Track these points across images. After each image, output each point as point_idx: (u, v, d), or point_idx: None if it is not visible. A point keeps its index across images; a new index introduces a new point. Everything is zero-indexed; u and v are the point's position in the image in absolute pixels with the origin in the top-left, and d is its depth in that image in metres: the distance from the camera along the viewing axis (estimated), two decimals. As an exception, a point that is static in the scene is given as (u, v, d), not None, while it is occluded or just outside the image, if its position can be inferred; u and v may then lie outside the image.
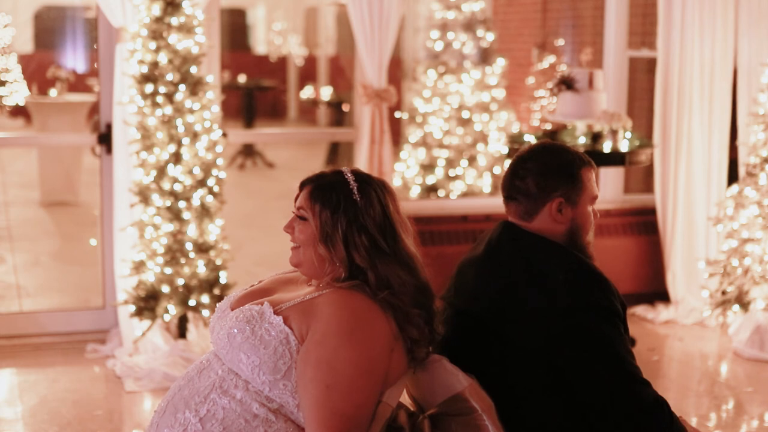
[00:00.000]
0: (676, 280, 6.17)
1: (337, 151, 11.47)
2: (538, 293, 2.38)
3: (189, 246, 4.89)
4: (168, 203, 4.87)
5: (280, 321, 2.17)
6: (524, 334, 2.35)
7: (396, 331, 2.21)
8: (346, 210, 2.23)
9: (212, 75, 5.23)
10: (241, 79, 14.28)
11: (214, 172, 4.96)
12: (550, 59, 8.12)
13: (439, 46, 7.75)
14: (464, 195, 7.60)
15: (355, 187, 2.26)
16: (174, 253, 4.87)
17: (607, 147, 5.31)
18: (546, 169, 2.50)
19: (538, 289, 2.39)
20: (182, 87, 4.86)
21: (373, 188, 2.28)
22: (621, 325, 2.39)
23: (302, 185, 2.33)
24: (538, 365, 2.35)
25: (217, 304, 4.85)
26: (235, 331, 2.18)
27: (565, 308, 2.33)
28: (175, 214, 4.88)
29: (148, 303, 4.91)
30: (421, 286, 2.27)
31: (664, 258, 6.22)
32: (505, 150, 5.88)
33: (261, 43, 17.50)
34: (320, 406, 2.08)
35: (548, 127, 6.79)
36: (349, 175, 2.29)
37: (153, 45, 4.85)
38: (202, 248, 4.91)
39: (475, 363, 2.37)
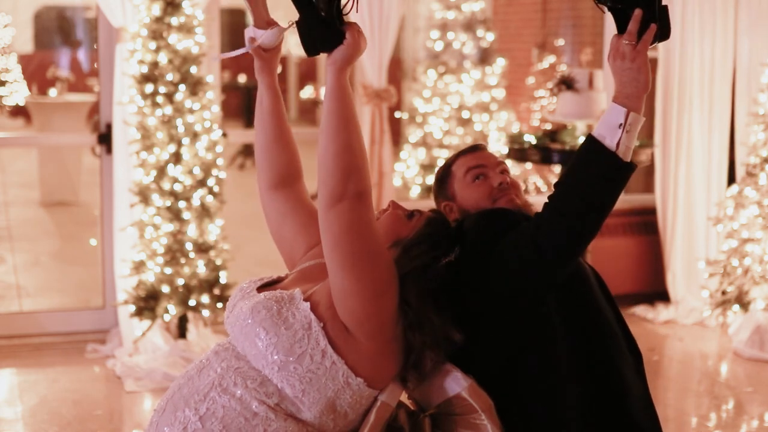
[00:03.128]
0: (676, 280, 6.17)
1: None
2: (453, 272, 2.38)
3: (189, 246, 4.89)
4: (168, 203, 4.87)
5: (306, 307, 2.19)
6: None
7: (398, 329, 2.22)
8: None
9: (212, 75, 5.23)
10: (241, 79, 14.28)
11: (214, 172, 4.96)
12: (550, 59, 8.12)
13: (439, 46, 7.75)
14: (464, 195, 7.59)
15: None
16: (174, 253, 4.88)
17: (607, 147, 5.30)
18: (434, 189, 2.61)
19: (452, 267, 2.40)
20: (182, 87, 4.86)
21: None
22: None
23: None
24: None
25: (219, 303, 4.86)
26: (262, 306, 2.19)
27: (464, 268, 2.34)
28: (175, 214, 4.88)
29: (148, 303, 4.91)
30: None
31: (664, 258, 6.22)
32: (505, 150, 5.88)
33: (261, 43, 17.46)
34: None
35: (548, 127, 6.79)
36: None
37: (153, 45, 4.85)
38: (202, 248, 4.91)
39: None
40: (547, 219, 2.26)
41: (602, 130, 2.23)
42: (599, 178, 2.22)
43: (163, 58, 4.85)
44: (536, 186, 7.82)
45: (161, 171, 4.88)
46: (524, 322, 2.34)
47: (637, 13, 2.21)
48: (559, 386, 2.35)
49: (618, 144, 2.21)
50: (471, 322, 2.37)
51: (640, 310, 6.13)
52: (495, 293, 2.32)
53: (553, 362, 2.35)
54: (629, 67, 2.22)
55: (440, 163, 7.62)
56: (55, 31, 13.11)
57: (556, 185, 2.28)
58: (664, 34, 2.27)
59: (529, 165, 7.04)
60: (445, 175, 2.54)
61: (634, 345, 2.48)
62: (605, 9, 2.27)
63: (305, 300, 2.22)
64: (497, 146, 7.68)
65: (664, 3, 2.28)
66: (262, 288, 2.36)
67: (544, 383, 2.34)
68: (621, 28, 2.25)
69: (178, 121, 4.86)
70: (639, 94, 2.23)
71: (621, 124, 2.21)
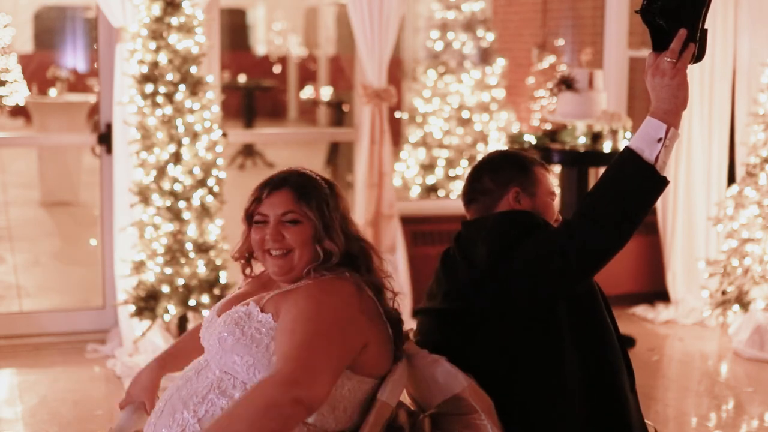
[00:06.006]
0: (676, 280, 6.17)
1: (337, 151, 11.46)
2: (467, 265, 2.44)
3: (189, 246, 4.89)
4: (168, 203, 4.87)
5: (269, 318, 2.19)
6: (471, 308, 2.40)
7: (377, 320, 2.23)
8: (333, 201, 2.31)
9: (212, 75, 5.23)
10: (241, 79, 14.27)
11: (214, 172, 4.96)
12: (550, 59, 8.11)
13: (439, 46, 7.75)
14: (464, 195, 7.59)
15: (320, 179, 2.34)
16: (174, 253, 4.87)
17: (607, 147, 5.31)
18: (500, 166, 2.58)
19: (467, 261, 2.45)
20: (182, 87, 4.86)
21: (324, 179, 2.36)
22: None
23: (273, 190, 2.31)
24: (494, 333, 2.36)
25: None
26: (225, 334, 2.19)
27: (485, 265, 2.37)
28: (175, 214, 4.88)
29: (148, 303, 4.91)
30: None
31: (664, 258, 6.22)
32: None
33: (261, 43, 17.51)
34: (284, 348, 2.11)
35: (548, 127, 6.79)
36: (306, 171, 2.36)
37: (153, 45, 4.85)
38: (202, 248, 4.91)
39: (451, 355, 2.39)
40: (578, 227, 2.28)
41: (640, 143, 2.26)
42: (637, 191, 2.25)
43: (163, 58, 4.85)
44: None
45: (161, 171, 4.88)
46: (533, 327, 2.35)
47: (682, 32, 2.25)
48: (561, 394, 2.35)
49: (657, 158, 2.24)
50: (479, 321, 2.38)
51: (640, 310, 6.13)
52: (511, 293, 2.33)
53: (558, 370, 2.36)
54: (668, 84, 2.25)
55: (440, 163, 7.66)
56: (55, 31, 13.11)
57: (588, 195, 2.30)
58: (699, 55, 2.31)
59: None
60: (529, 172, 2.55)
61: (629, 363, 2.50)
62: (646, 23, 2.30)
63: (263, 311, 2.21)
64: (497, 146, 7.68)
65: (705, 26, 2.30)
66: (223, 308, 2.35)
67: (546, 390, 2.35)
68: (658, 45, 2.29)
69: (178, 121, 4.86)
70: (678, 111, 2.27)
71: (660, 139, 2.24)
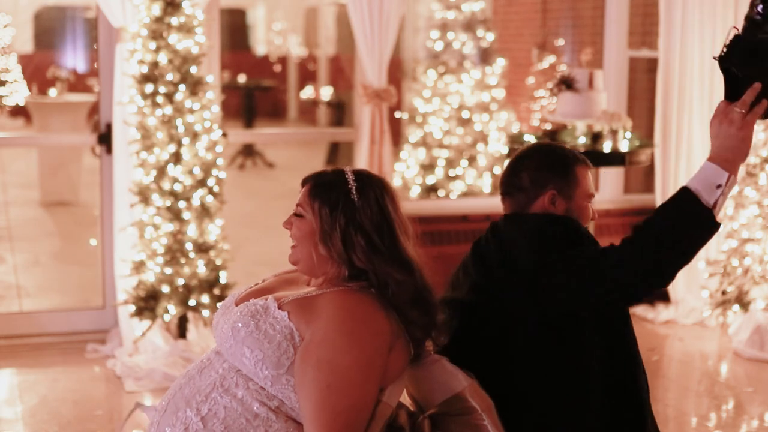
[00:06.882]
0: (676, 280, 6.15)
1: (337, 151, 11.47)
2: (503, 263, 2.44)
3: (189, 246, 4.89)
4: (168, 203, 4.87)
5: (284, 316, 2.18)
6: (504, 304, 2.40)
7: (396, 329, 2.21)
8: (344, 209, 2.24)
9: (212, 75, 5.23)
10: (241, 79, 14.27)
11: (214, 172, 4.96)
12: (550, 59, 8.11)
13: (439, 46, 7.75)
14: (464, 195, 7.61)
15: (354, 187, 2.27)
16: (174, 253, 4.87)
17: (607, 147, 5.31)
18: (540, 164, 2.54)
19: (503, 258, 2.44)
20: (182, 87, 4.86)
21: (372, 189, 2.29)
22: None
23: (303, 183, 2.34)
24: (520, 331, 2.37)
25: (219, 303, 4.88)
26: (240, 325, 2.19)
27: (526, 269, 2.38)
28: (175, 214, 4.88)
29: (148, 303, 4.91)
30: (419, 287, 2.27)
31: (664, 258, 6.21)
32: (505, 150, 5.88)
33: (261, 43, 17.51)
34: (321, 406, 2.08)
35: (548, 127, 6.79)
36: (349, 174, 2.29)
37: (153, 45, 4.85)
38: (202, 248, 4.91)
39: (471, 347, 2.39)
40: (626, 261, 2.27)
41: (699, 186, 2.27)
42: (692, 233, 2.27)
43: (163, 58, 4.85)
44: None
45: (161, 171, 4.88)
46: (559, 336, 2.35)
47: (757, 86, 2.26)
48: (581, 405, 2.35)
49: (715, 204, 2.26)
50: (504, 320, 2.37)
51: (640, 310, 6.13)
52: (545, 304, 2.34)
53: (579, 381, 2.35)
54: (735, 135, 2.27)
55: (440, 163, 7.66)
56: (55, 31, 13.11)
57: (641, 229, 2.30)
58: None
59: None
60: (568, 173, 2.53)
61: (646, 376, 2.50)
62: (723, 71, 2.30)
63: (281, 308, 2.20)
64: (497, 146, 7.68)
65: None
66: (242, 299, 2.34)
67: (567, 399, 2.35)
68: (731, 94, 2.29)
69: (178, 121, 4.86)
70: (738, 162, 2.29)
71: (720, 185, 2.27)
